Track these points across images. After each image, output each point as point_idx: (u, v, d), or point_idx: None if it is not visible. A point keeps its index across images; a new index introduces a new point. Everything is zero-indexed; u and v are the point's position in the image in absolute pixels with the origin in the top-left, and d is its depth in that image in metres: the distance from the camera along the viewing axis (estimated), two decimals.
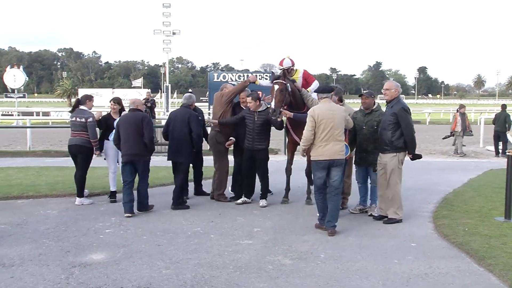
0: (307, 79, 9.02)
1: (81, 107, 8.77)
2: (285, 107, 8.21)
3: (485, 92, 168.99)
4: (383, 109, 7.64)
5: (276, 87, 8.10)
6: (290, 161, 8.94)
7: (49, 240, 6.47)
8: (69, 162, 14.46)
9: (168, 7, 40.10)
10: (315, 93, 8.84)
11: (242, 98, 8.88)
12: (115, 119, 8.68)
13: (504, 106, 19.32)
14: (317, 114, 6.80)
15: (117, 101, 9.04)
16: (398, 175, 7.26)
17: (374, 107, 7.73)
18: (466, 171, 13.13)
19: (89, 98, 8.96)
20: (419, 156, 7.34)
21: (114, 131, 8.37)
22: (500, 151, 17.62)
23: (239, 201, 8.69)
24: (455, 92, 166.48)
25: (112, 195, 8.98)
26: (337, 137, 6.81)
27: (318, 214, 7.19)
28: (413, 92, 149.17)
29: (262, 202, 8.54)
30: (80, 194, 8.77)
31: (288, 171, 8.90)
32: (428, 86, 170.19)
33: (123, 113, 8.74)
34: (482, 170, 13.18)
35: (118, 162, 8.85)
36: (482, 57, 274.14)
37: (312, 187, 9.06)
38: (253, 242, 6.47)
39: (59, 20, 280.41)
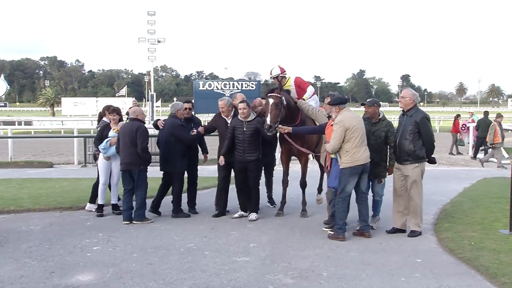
0: (301, 85, 8.70)
1: (104, 118, 8.91)
2: (279, 121, 7.80)
3: (467, 99, 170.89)
4: (393, 117, 7.54)
5: (271, 101, 7.72)
6: (286, 173, 8.57)
7: (31, 260, 6.03)
8: (53, 173, 14.16)
9: (153, 15, 39.76)
10: (313, 100, 8.67)
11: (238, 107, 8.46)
12: (111, 129, 8.58)
13: (486, 113, 19.82)
14: (348, 124, 6.84)
15: (116, 111, 8.79)
16: (420, 187, 7.17)
17: (380, 117, 7.47)
18: (458, 180, 12.95)
19: (106, 108, 9.03)
20: (434, 160, 7.37)
21: (105, 140, 8.43)
22: (475, 154, 18.77)
23: (236, 215, 8.31)
24: (437, 100, 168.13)
25: (99, 208, 8.57)
26: (365, 143, 6.96)
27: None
28: (397, 99, 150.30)
29: (252, 216, 8.18)
30: (92, 200, 8.87)
31: (285, 183, 8.53)
32: None
33: (121, 123, 8.58)
34: (475, 178, 13.01)
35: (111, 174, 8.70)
36: (464, 65, 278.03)
37: (306, 198, 8.83)
38: (250, 259, 6.13)
39: (42, 28, 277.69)
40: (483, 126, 18.60)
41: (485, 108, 49.53)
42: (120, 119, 8.75)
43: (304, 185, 8.57)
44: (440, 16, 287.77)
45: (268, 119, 7.68)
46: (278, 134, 8.22)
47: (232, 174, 8.55)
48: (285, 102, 7.87)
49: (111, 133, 8.47)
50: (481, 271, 5.50)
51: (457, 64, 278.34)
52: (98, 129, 8.84)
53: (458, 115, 21.87)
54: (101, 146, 8.42)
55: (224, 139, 8.25)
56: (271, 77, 8.64)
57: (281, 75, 8.47)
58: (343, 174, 6.96)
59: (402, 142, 7.10)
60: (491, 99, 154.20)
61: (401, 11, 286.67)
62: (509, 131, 23.44)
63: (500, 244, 6.45)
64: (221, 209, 8.46)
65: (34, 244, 6.72)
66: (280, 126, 7.76)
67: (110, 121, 8.66)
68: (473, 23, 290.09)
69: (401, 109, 7.35)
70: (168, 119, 8.61)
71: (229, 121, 8.31)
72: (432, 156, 7.31)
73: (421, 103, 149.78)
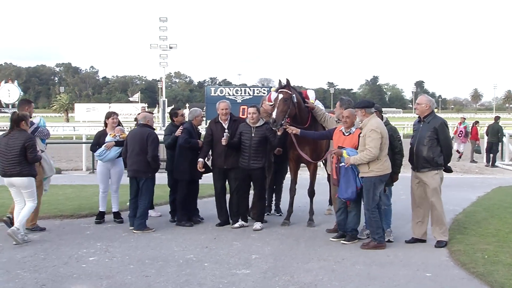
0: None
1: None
2: (287, 120, 7.59)
3: (482, 106, 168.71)
4: (406, 123, 7.28)
5: (280, 96, 7.51)
6: (294, 181, 8.29)
7: (24, 271, 5.82)
8: (59, 179, 13.98)
9: (165, 21, 39.72)
10: (320, 103, 8.47)
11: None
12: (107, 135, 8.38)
13: (497, 118, 19.73)
14: (383, 131, 6.71)
15: (114, 115, 8.60)
16: (440, 194, 6.96)
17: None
18: (473, 188, 12.57)
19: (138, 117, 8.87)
20: (450, 169, 7.19)
21: (102, 147, 8.23)
22: (491, 162, 18.31)
23: (236, 225, 8.01)
24: (452, 106, 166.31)
25: (100, 215, 8.41)
26: None
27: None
28: (410, 106, 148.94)
29: (257, 225, 7.90)
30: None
31: (292, 191, 8.24)
32: None
33: (118, 127, 8.45)
34: (490, 187, 12.61)
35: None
36: (479, 71, 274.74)
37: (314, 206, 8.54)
38: (251, 271, 5.87)
39: (57, 35, 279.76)
40: (492, 131, 18.55)
41: (501, 115, 48.67)
42: (119, 124, 8.58)
43: (312, 194, 8.29)
44: (455, 22, 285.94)
45: (274, 113, 7.42)
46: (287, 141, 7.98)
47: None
48: (295, 100, 7.63)
49: (108, 138, 8.31)
50: None
51: (472, 70, 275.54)
52: (95, 134, 8.69)
53: (477, 122, 21.61)
54: (96, 153, 8.26)
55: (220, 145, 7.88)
56: (271, 105, 8.27)
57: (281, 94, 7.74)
58: (372, 183, 6.71)
59: (420, 149, 6.91)
60: (507, 105, 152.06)
61: (415, 17, 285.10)
62: None
63: None
64: (224, 218, 8.19)
65: (29, 254, 6.52)
66: (288, 126, 7.53)
67: (107, 126, 8.48)
68: (489, 29, 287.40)
69: (417, 115, 7.20)
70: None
71: (225, 126, 8.01)
72: (448, 164, 7.10)
73: (436, 110, 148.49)
